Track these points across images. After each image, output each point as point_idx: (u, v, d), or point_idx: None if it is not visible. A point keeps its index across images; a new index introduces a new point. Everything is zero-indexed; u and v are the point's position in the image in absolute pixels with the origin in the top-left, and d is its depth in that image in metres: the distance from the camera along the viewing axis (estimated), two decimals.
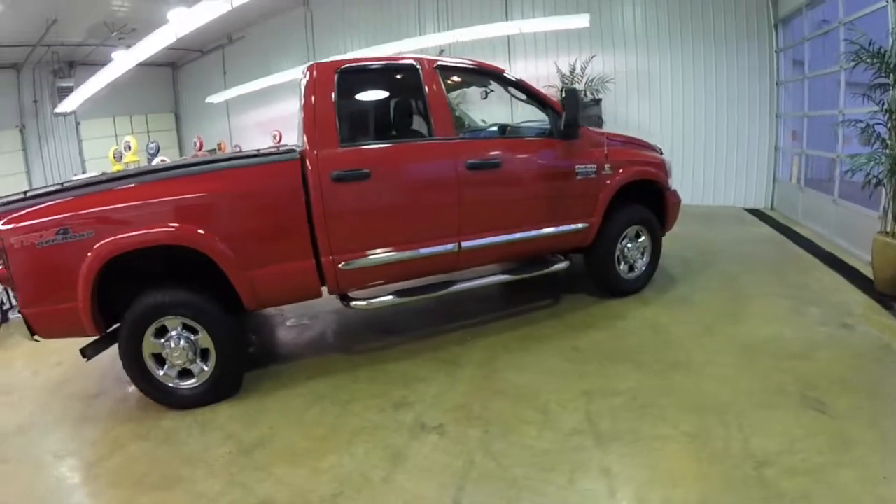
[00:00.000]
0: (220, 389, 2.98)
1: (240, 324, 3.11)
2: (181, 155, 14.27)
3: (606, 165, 3.76)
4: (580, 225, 3.75)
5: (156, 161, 9.70)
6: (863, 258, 4.39)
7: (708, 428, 2.37)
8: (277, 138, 10.74)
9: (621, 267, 4.03)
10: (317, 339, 3.96)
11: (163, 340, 2.87)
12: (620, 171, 3.84)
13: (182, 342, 2.86)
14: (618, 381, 2.87)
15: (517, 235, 3.53)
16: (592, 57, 7.32)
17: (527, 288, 4.36)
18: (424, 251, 3.25)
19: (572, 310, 3.93)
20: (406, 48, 8.34)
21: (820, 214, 5.53)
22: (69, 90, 10.45)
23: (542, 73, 7.84)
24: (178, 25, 6.29)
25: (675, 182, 7.04)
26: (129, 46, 7.67)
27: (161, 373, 2.90)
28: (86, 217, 2.68)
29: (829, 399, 2.53)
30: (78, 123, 12.06)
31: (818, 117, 5.83)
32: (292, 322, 4.26)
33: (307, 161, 2.96)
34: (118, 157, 10.35)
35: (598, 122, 7.65)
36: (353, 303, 3.28)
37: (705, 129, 6.89)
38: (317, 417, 2.77)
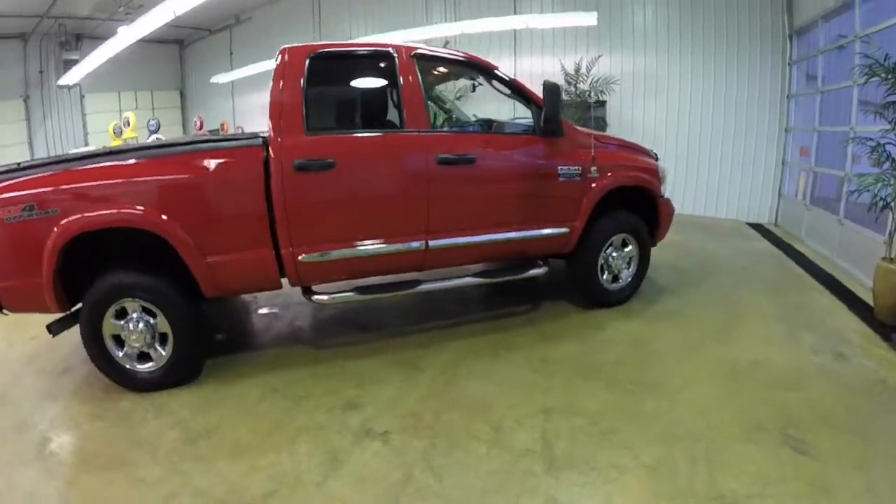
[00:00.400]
0: (177, 375, 2.94)
1: (200, 310, 3.00)
2: (183, 133, 14.15)
3: (592, 168, 3.53)
4: (561, 230, 3.53)
5: (152, 138, 9.54)
6: (865, 283, 4.14)
7: (673, 461, 2.16)
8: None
9: (605, 276, 3.80)
10: (286, 329, 3.80)
11: (122, 322, 2.81)
12: (608, 175, 3.60)
13: (140, 325, 2.82)
14: (583, 399, 2.66)
15: (491, 237, 3.33)
16: (599, 57, 7.07)
17: (507, 291, 4.22)
18: (389, 248, 3.08)
19: (550, 318, 3.73)
20: (412, 37, 8.14)
21: (824, 234, 5.27)
22: (74, 63, 10.31)
23: (548, 71, 7.58)
24: (176, 3, 6.09)
25: (677, 189, 6.87)
26: (134, 22, 7.55)
27: (120, 354, 2.86)
28: (50, 195, 2.65)
29: (812, 437, 2.30)
30: (83, 97, 11.95)
31: (829, 134, 5.56)
32: (266, 310, 4.12)
33: (270, 148, 2.82)
34: (118, 132, 10.19)
35: (602, 124, 7.42)
36: (315, 297, 3.13)
37: (711, 137, 6.62)
38: (266, 411, 2.69)
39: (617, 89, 7.16)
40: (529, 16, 6.91)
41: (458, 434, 2.40)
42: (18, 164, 2.98)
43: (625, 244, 3.81)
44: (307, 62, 2.96)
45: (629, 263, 3.88)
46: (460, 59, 3.50)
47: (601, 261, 3.73)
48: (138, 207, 2.69)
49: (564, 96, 7.35)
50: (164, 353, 2.88)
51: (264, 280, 2.99)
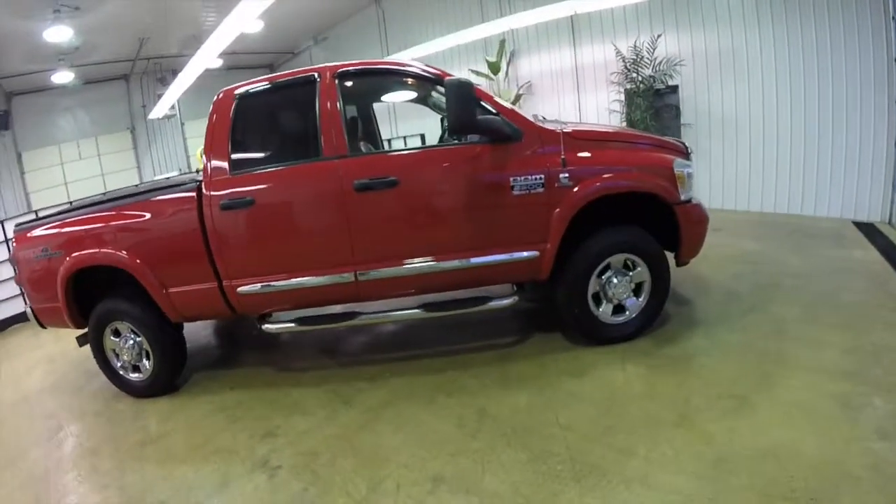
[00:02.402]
0: (156, 386, 3.43)
1: (177, 333, 3.43)
2: None
3: (562, 175, 2.90)
4: (524, 254, 2.98)
5: None
6: None
7: None
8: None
9: (602, 308, 3.14)
10: (266, 350, 4.00)
11: (118, 340, 3.37)
12: (587, 181, 2.92)
13: (129, 342, 3.35)
14: (492, 473, 2.21)
15: (431, 266, 2.99)
16: (659, 36, 6.06)
17: (502, 318, 3.82)
18: (318, 280, 3.03)
19: (527, 355, 3.23)
20: (469, 38, 7.83)
21: None
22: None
23: (609, 58, 6.75)
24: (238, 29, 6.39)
25: (767, 185, 5.64)
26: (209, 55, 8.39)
27: (119, 365, 3.44)
28: (54, 240, 3.32)
29: None
30: (182, 124, 13.35)
31: None
32: (257, 331, 4.25)
33: (203, 190, 3.04)
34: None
35: (676, 112, 6.39)
36: (264, 325, 3.28)
37: (805, 121, 5.21)
38: (206, 427, 2.99)
39: (688, 73, 6.05)
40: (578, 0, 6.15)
41: (334, 485, 2.30)
42: (36, 213, 3.76)
43: (630, 266, 3.12)
44: (234, 102, 3.10)
45: (638, 290, 3.16)
46: (391, 69, 3.18)
47: (594, 288, 3.10)
48: (109, 249, 3.15)
49: (629, 84, 6.51)
50: (148, 366, 3.37)
51: (214, 309, 3.24)
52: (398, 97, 4.48)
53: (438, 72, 3.09)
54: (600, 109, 7.14)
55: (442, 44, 8.28)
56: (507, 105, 3.09)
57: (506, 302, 3.13)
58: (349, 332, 3.98)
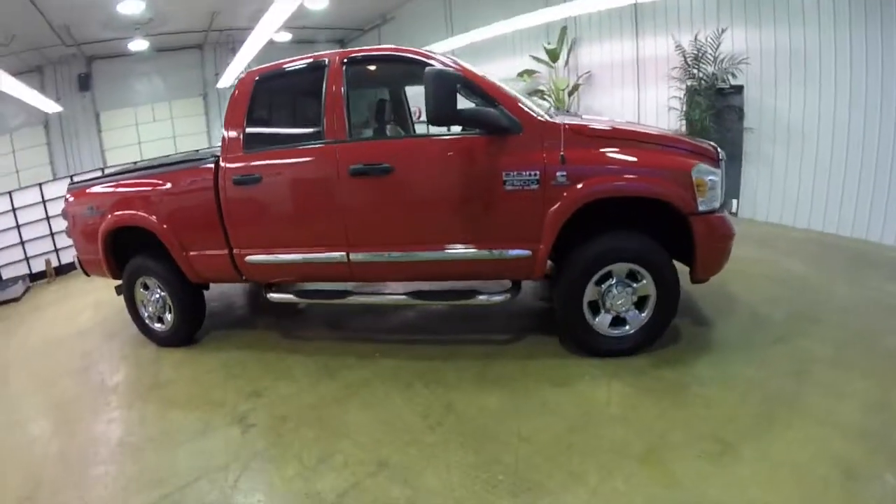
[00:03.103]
0: (176, 338, 3.79)
1: (197, 293, 3.73)
2: None
3: (559, 173, 2.75)
4: (516, 252, 2.89)
5: None
6: None
7: None
8: (417, 114, 10.97)
9: (599, 318, 2.99)
10: (279, 317, 4.22)
11: (147, 293, 3.75)
12: (586, 181, 2.75)
13: (154, 296, 3.72)
14: (435, 471, 2.22)
15: (419, 254, 3.00)
16: (723, 31, 5.56)
17: (506, 315, 3.77)
18: (314, 257, 3.18)
19: (513, 356, 3.16)
20: (530, 23, 7.59)
21: None
22: None
23: (673, 53, 6.30)
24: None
25: (831, 204, 5.10)
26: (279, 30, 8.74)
27: (146, 315, 3.83)
28: (98, 199, 3.75)
29: None
30: None
31: None
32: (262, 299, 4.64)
33: (220, 165, 3.26)
34: None
35: (739, 115, 5.89)
36: (268, 294, 3.49)
37: (879, 134, 4.47)
38: (207, 381, 3.27)
39: (754, 73, 5.50)
40: None
41: (291, 451, 2.46)
42: (102, 169, 4.27)
43: (635, 277, 2.95)
44: (254, 84, 3.27)
45: (642, 304, 2.97)
46: (395, 56, 3.18)
47: (592, 296, 2.96)
48: (142, 213, 3.49)
49: (690, 81, 6.07)
50: (170, 319, 3.72)
51: (226, 274, 3.48)
52: (410, 84, 4.46)
53: (446, 60, 3.03)
54: (660, 106, 6.71)
55: (503, 27, 8.08)
56: (512, 94, 2.98)
57: (496, 299, 3.07)
58: (358, 310, 4.10)
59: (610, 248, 2.86)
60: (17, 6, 7.18)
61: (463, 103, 2.87)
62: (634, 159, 2.82)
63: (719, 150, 3.05)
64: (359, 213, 3.05)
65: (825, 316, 3.41)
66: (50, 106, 9.69)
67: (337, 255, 3.12)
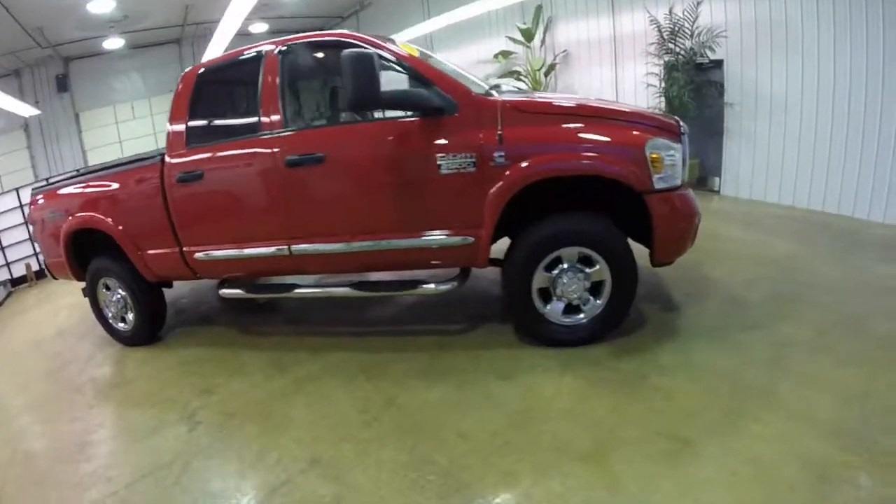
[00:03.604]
0: (138, 337, 3.78)
1: (156, 292, 3.72)
2: None
3: (496, 154, 2.56)
4: (458, 238, 2.71)
5: None
6: None
7: None
8: None
9: (550, 306, 2.78)
10: (241, 314, 4.20)
11: (109, 293, 3.75)
12: (526, 161, 2.55)
13: (115, 297, 3.71)
14: (365, 469, 2.15)
15: (357, 245, 2.88)
16: (699, 3, 5.28)
17: (459, 303, 3.64)
18: (258, 251, 3.12)
19: (464, 346, 3.03)
20: (505, 3, 7.29)
21: None
22: None
23: (651, 28, 6.02)
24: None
25: (816, 180, 4.85)
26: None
27: (110, 315, 3.83)
28: (57, 204, 3.76)
29: None
30: None
31: None
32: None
33: (165, 162, 3.23)
34: None
35: (719, 90, 5.62)
36: (221, 291, 3.48)
37: (865, 107, 4.22)
38: (164, 378, 3.30)
39: (734, 46, 5.25)
40: None
41: (233, 447, 2.48)
42: (47, 179, 4.15)
43: (589, 262, 2.71)
44: (195, 80, 3.22)
45: (597, 290, 2.75)
46: (327, 41, 3.12)
47: (541, 282, 2.74)
48: (97, 214, 3.48)
49: (669, 57, 5.80)
50: (132, 319, 3.71)
51: (180, 272, 3.45)
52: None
53: (381, 43, 2.88)
54: (638, 83, 6.45)
55: (478, 8, 7.81)
56: (447, 72, 2.84)
57: (441, 288, 2.90)
58: (320, 305, 4.05)
59: (556, 230, 2.67)
60: None
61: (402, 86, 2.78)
62: (581, 136, 2.60)
63: (681, 123, 2.82)
64: (297, 205, 2.97)
65: (808, 297, 3.17)
66: (26, 110, 9.68)
67: (279, 248, 3.05)
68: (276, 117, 2.97)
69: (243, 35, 12.01)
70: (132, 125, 12.37)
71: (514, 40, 7.85)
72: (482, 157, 2.58)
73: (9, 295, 6.57)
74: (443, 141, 2.64)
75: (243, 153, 3.08)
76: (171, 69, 12.18)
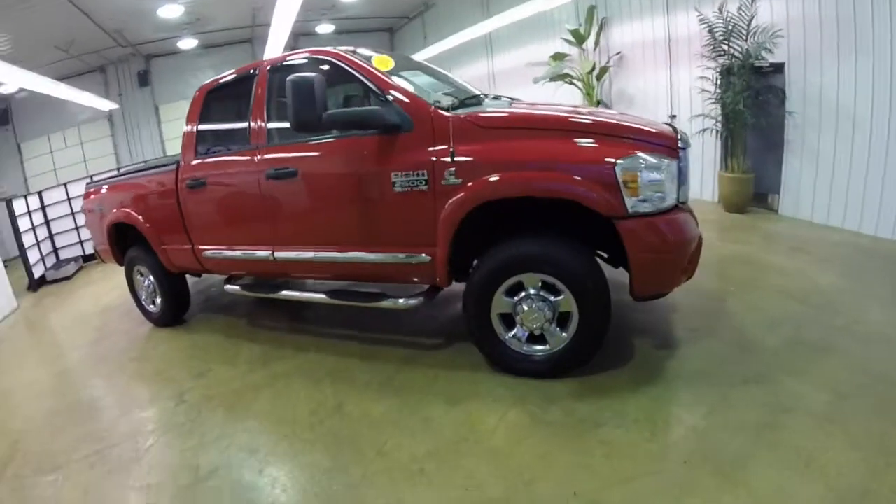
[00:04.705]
0: (165, 319, 4.29)
1: (179, 281, 4.20)
2: None
3: (448, 171, 2.47)
4: (414, 256, 2.72)
5: None
6: None
7: None
8: None
9: (511, 334, 2.65)
10: (251, 306, 4.56)
11: (142, 279, 4.31)
12: (479, 180, 2.43)
13: (146, 282, 4.26)
14: (291, 468, 2.28)
15: (329, 255, 3.04)
16: (754, 1, 4.72)
17: (450, 316, 3.68)
18: (251, 254, 3.42)
19: (429, 364, 3.00)
20: (557, 3, 7.02)
21: None
22: None
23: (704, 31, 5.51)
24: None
25: (882, 200, 4.25)
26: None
27: (143, 298, 4.40)
28: (99, 198, 4.39)
29: None
30: None
31: None
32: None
33: (179, 169, 3.66)
34: None
35: (781, 97, 5.04)
36: (225, 286, 3.81)
37: None
38: (173, 358, 3.69)
39: (797, 48, 4.63)
40: None
41: (199, 428, 2.71)
42: (118, 169, 4.93)
43: (556, 290, 2.52)
44: (205, 95, 3.60)
45: (565, 321, 2.55)
46: (311, 59, 3.12)
47: (503, 308, 2.62)
48: (131, 211, 4.02)
49: (723, 59, 5.27)
50: (159, 303, 4.22)
51: (193, 266, 3.87)
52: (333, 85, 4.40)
53: (350, 58, 2.97)
54: (693, 88, 5.94)
55: (535, 7, 7.55)
56: (407, 87, 2.83)
57: (404, 303, 2.90)
58: (319, 304, 4.15)
59: (516, 254, 2.51)
60: (70, 17, 8.01)
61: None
62: (542, 153, 2.40)
63: (681, 134, 2.52)
64: (277, 215, 3.21)
65: (839, 347, 2.67)
66: (105, 105, 11.13)
67: (265, 253, 3.34)
68: (261, 132, 3.24)
69: (309, 35, 12.61)
70: None
71: (570, 42, 7.52)
72: (434, 174, 2.52)
73: (80, 269, 7.57)
74: (397, 158, 2.62)
75: (235, 163, 3.37)
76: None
